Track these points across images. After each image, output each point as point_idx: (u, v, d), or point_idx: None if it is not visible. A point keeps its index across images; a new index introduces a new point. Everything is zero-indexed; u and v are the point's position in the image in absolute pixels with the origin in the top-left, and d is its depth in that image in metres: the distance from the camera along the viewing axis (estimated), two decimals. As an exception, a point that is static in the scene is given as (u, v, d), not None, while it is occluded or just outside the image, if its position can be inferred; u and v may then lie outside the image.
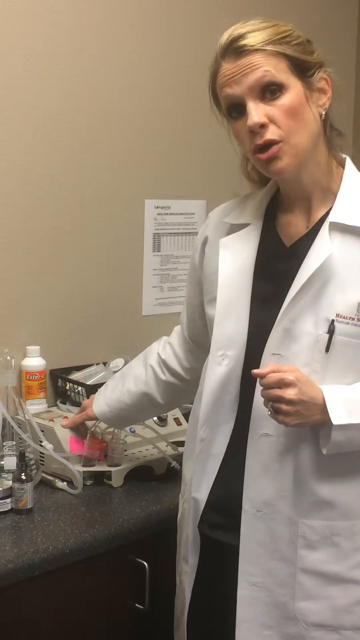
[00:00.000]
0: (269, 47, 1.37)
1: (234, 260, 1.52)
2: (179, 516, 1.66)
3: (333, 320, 1.39)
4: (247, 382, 1.44)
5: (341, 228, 1.42)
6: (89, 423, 1.96)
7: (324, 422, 1.37)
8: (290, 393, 1.35)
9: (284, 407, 1.35)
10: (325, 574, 1.44)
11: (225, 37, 1.41)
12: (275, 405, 1.36)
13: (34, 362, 2.23)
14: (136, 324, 2.51)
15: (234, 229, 1.56)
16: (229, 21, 1.44)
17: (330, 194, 1.47)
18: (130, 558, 1.78)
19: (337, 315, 1.39)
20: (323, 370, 1.40)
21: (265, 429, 1.44)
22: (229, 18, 1.45)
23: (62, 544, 1.66)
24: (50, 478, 1.95)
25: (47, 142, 2.25)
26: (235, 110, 1.42)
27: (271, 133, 1.39)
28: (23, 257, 2.25)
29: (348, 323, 1.38)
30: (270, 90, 1.39)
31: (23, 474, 1.77)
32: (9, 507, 1.78)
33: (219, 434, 1.52)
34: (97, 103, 2.34)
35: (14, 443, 1.91)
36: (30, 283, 2.27)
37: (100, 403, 1.88)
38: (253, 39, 1.38)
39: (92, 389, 2.08)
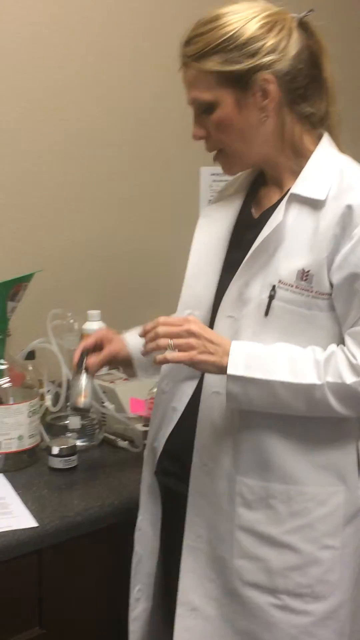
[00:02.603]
0: (196, 64, 1.41)
1: (210, 228, 1.57)
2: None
3: (274, 286, 1.41)
4: None
5: (299, 200, 1.44)
6: (150, 384, 1.96)
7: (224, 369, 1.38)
8: (191, 326, 1.37)
9: (182, 341, 1.36)
10: (261, 535, 1.44)
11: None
12: (176, 342, 1.37)
13: (95, 326, 2.24)
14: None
15: (220, 199, 1.62)
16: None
17: (300, 172, 1.49)
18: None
19: (279, 281, 1.41)
20: (263, 334, 1.42)
21: (215, 387, 1.47)
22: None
23: (126, 498, 1.70)
24: (112, 437, 2.00)
25: (110, 114, 2.31)
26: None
27: (210, 144, 1.49)
28: (84, 225, 2.32)
29: (287, 290, 1.40)
30: (203, 108, 1.45)
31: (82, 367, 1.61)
32: (75, 464, 1.83)
33: (181, 388, 1.54)
34: (155, 75, 2.37)
35: (77, 404, 1.96)
36: (91, 249, 2.33)
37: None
38: (190, 49, 1.42)
39: (151, 352, 2.11)
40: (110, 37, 2.30)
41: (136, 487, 1.73)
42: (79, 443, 1.91)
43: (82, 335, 2.22)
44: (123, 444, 1.97)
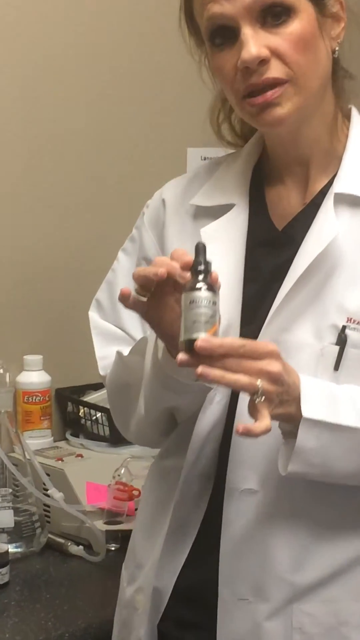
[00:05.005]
0: None
1: (225, 257, 1.34)
2: (122, 613, 1.43)
3: (344, 327, 1.23)
4: (230, 423, 1.27)
5: (350, 201, 1.27)
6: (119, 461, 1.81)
7: (295, 419, 1.18)
8: (274, 368, 1.14)
9: (267, 386, 1.13)
10: None
11: None
12: (267, 390, 1.12)
13: (35, 377, 2.06)
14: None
15: (206, 211, 1.41)
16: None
17: (334, 157, 1.33)
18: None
19: (349, 319, 1.23)
20: None
21: (247, 483, 1.26)
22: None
23: (83, 630, 1.51)
24: (61, 541, 1.76)
25: (74, 98, 2.18)
26: (221, 35, 1.26)
27: (274, 70, 1.23)
28: (17, 241, 2.11)
29: None
30: (273, 13, 1.24)
31: None
32: (6, 580, 1.58)
33: (194, 498, 1.33)
34: (139, 46, 2.29)
35: (10, 491, 1.74)
36: (30, 279, 2.13)
37: None
38: None
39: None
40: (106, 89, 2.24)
41: (96, 614, 1.54)
42: (11, 549, 1.67)
43: (17, 390, 2.02)
44: (76, 549, 1.73)
